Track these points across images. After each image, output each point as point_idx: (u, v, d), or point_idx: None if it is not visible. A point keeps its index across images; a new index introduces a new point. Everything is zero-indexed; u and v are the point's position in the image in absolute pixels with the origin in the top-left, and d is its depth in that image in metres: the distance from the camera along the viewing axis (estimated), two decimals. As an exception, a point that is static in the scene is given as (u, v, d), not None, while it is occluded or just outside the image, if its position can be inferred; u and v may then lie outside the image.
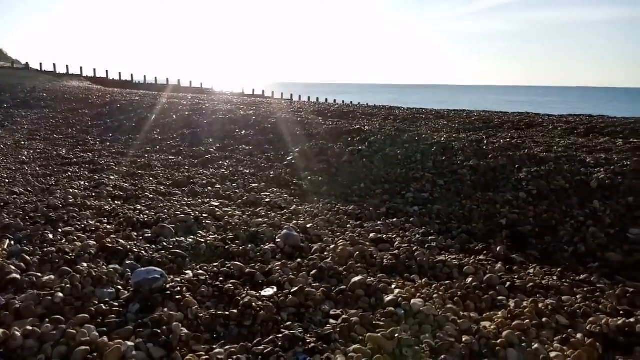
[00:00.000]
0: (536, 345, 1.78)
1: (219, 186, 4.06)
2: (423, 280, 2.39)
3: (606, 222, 3.20)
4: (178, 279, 2.21)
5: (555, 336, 1.91)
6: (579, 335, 1.93)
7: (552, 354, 1.74)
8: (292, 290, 2.13)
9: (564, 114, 9.45)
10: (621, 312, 2.19)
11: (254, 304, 1.98)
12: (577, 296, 2.33)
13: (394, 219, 3.36)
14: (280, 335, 1.77)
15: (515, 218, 3.36)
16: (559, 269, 2.63)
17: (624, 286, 2.45)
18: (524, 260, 2.78)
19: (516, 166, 4.06)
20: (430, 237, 3.05)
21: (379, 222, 3.35)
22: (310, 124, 6.65)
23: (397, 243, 2.87)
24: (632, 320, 2.06)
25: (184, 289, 2.11)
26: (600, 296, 2.36)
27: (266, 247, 2.70)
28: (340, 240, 2.89)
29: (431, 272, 2.53)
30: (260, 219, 3.18)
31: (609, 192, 3.56)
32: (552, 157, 4.20)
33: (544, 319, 2.03)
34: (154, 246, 2.65)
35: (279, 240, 2.78)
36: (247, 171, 4.66)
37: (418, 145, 4.71)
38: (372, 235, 3.01)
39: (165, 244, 2.67)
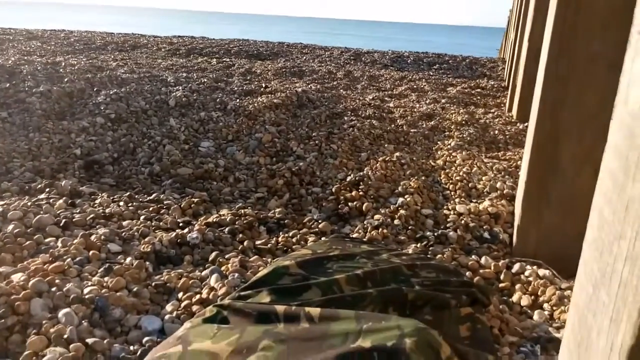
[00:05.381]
0: (68, 286, 1.60)
1: None
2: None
3: (181, 138, 3.31)
4: None
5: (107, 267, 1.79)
6: (128, 260, 1.87)
7: (86, 290, 1.60)
8: None
9: (169, 35, 9.58)
10: (180, 225, 2.27)
11: None
12: (141, 218, 2.29)
13: None
14: None
15: (92, 146, 3.10)
16: (127, 194, 2.54)
17: (190, 197, 2.57)
18: (95, 191, 2.57)
19: (95, 89, 3.74)
20: (-21, 186, 2.46)
21: None
22: None
23: None
24: (185, 230, 2.15)
25: None
26: (166, 212, 2.39)
27: None
28: None
29: (-38, 228, 2.01)
30: None
31: (185, 110, 3.70)
32: (134, 78, 4.06)
33: (91, 252, 1.88)
34: None
35: None
36: None
37: (-25, 71, 3.76)
38: None
39: None
